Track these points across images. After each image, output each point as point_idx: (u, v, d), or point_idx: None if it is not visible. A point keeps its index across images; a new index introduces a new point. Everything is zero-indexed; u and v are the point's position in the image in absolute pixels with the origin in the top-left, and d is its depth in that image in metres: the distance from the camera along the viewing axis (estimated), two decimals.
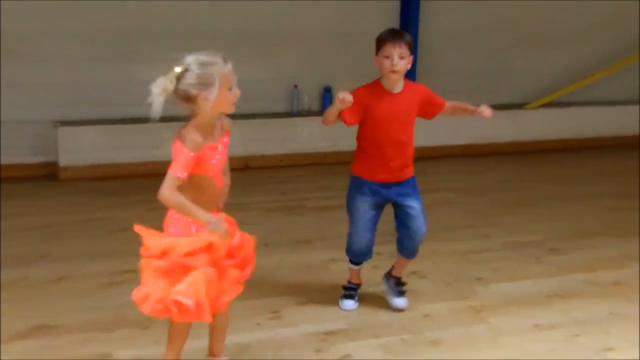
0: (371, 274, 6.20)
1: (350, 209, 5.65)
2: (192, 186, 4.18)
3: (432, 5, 10.54)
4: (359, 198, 5.59)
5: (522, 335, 5.49)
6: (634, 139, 11.55)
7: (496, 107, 10.80)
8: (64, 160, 9.08)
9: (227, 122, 4.42)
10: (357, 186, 5.61)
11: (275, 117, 10.12)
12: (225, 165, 4.49)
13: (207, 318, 4.12)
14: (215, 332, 4.72)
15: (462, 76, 10.93)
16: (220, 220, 4.20)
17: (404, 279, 5.93)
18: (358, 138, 5.59)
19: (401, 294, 5.86)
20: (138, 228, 4.40)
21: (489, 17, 10.83)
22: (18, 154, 9.06)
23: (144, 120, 9.64)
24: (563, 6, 11.18)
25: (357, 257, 5.78)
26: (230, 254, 4.36)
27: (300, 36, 10.07)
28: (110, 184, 8.95)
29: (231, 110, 4.30)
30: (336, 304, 5.85)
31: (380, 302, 5.87)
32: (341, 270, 6.39)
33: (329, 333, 5.41)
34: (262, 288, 6.14)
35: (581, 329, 5.60)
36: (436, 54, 10.56)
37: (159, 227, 7.51)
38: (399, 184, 5.56)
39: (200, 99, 4.12)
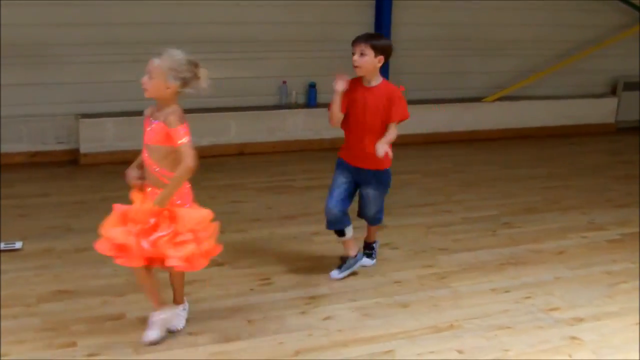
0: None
1: (331, 184, 5.61)
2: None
3: (402, 17, 10.46)
4: (337, 172, 5.61)
5: (480, 297, 5.49)
6: (568, 128, 11.56)
7: (455, 100, 10.95)
8: (84, 147, 8.98)
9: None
10: (337, 164, 5.63)
11: (267, 110, 10.05)
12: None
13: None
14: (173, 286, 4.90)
15: (428, 75, 10.90)
16: None
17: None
18: (342, 124, 5.50)
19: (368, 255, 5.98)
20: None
21: (449, 27, 10.79)
22: (44, 143, 8.97)
23: None
24: (509, 19, 11.15)
25: (329, 224, 5.64)
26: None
27: (288, 40, 10.01)
28: (124, 168, 8.77)
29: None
30: (320, 271, 5.77)
31: (358, 270, 5.80)
32: (324, 242, 6.35)
33: (313, 297, 5.38)
34: (254, 258, 6.11)
35: (530, 291, 5.61)
36: (406, 57, 10.46)
37: None
38: (366, 171, 5.52)
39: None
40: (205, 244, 4.55)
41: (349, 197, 5.61)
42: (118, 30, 9.12)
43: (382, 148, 5.18)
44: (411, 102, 10.82)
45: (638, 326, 5.09)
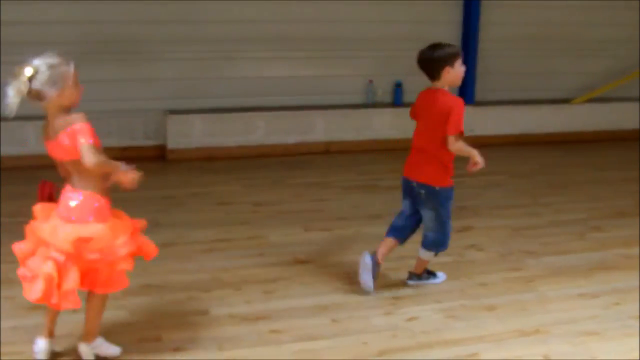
0: None
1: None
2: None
3: (491, 16, 10.35)
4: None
5: (567, 302, 5.39)
6: None
7: (544, 101, 10.77)
8: (172, 143, 9.11)
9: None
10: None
11: (353, 108, 10.04)
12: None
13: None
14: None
15: (517, 75, 10.76)
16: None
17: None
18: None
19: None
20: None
21: (538, 26, 10.62)
22: (132, 138, 9.11)
23: (239, 109, 9.69)
24: (602, 18, 10.93)
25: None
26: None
27: (375, 39, 10.00)
28: (210, 164, 8.94)
29: (77, 104, 4.12)
30: (405, 272, 5.70)
31: (444, 271, 5.74)
32: (409, 243, 6.27)
33: (398, 298, 5.35)
34: (339, 256, 6.10)
35: (620, 297, 5.48)
36: (494, 57, 10.37)
37: (253, 201, 7.51)
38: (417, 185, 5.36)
39: (54, 96, 3.94)
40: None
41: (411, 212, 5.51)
42: (209, 28, 9.23)
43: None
44: (500, 102, 10.76)
45: None
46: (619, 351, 4.69)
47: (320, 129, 9.79)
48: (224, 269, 5.77)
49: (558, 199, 7.91)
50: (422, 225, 5.45)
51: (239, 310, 5.05)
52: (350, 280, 5.60)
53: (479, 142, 9.87)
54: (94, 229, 4.07)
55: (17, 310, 4.91)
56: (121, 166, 4.20)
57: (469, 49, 10.25)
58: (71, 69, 4.02)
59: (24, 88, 3.87)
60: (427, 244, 5.42)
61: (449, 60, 5.14)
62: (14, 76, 3.87)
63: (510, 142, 10.40)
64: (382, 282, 5.56)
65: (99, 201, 4.15)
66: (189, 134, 9.17)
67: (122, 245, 4.19)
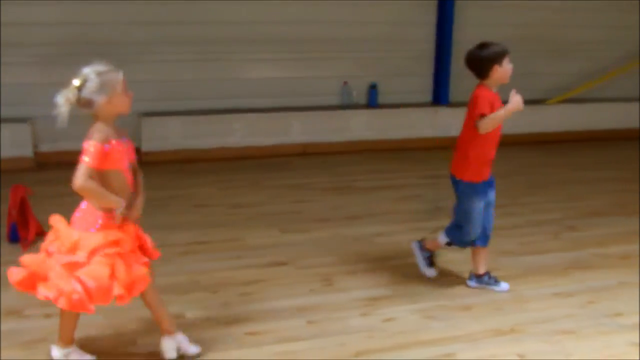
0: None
1: None
2: (104, 180, 4.07)
3: (465, 17, 10.42)
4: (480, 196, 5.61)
5: (543, 301, 5.42)
6: (636, 131, 11.37)
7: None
8: (146, 146, 9.09)
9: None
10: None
11: (329, 110, 10.07)
12: (134, 161, 4.42)
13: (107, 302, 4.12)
14: (155, 315, 4.51)
15: None
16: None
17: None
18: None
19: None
20: (54, 220, 4.23)
21: (513, 27, 10.67)
22: None
23: (215, 112, 9.68)
24: (577, 20, 11.03)
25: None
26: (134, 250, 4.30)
27: (350, 41, 10.03)
28: (187, 166, 8.93)
29: (128, 110, 4.25)
30: (382, 273, 5.74)
31: (418, 272, 5.75)
32: (386, 243, 6.34)
33: (374, 299, 5.35)
34: (317, 258, 6.11)
35: (595, 296, 5.52)
36: None
37: (230, 203, 7.49)
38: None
39: (103, 103, 4.00)
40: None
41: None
42: (185, 30, 9.24)
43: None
44: None
45: None
46: (594, 349, 4.71)
47: (297, 130, 9.80)
48: (201, 271, 5.77)
49: (535, 199, 7.97)
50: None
51: (215, 313, 5.05)
52: (327, 281, 5.61)
53: (454, 143, 10.00)
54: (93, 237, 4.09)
55: None
56: (120, 203, 4.14)
57: (443, 50, 10.32)
58: (120, 76, 4.12)
59: (73, 96, 3.93)
60: (446, 229, 5.63)
61: (497, 59, 5.34)
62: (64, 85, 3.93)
63: None
64: (360, 284, 5.58)
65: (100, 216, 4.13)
66: (165, 136, 9.16)
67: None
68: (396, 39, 10.27)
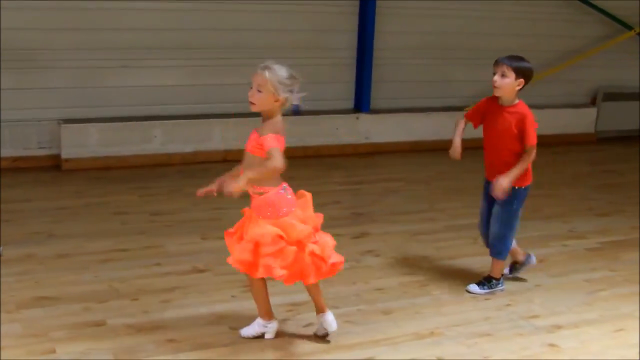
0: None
1: None
2: None
3: (386, 24, 10.50)
4: (482, 193, 5.81)
5: (461, 305, 5.53)
6: (550, 138, 11.60)
7: (440, 109, 10.94)
8: (66, 153, 8.97)
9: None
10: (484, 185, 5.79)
11: (251, 117, 9.88)
12: None
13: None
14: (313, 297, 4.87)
15: (413, 83, 10.93)
16: None
17: None
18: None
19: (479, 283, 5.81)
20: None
21: (432, 35, 10.82)
22: (26, 148, 8.95)
23: (135, 118, 9.60)
24: (493, 28, 11.22)
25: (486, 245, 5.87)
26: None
27: (273, 47, 9.95)
28: (107, 173, 8.83)
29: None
30: None
31: (341, 277, 5.78)
32: None
33: (294, 304, 5.37)
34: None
35: (511, 299, 5.66)
36: (390, 65, 10.54)
37: (150, 210, 7.44)
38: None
39: None
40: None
41: (488, 216, 5.74)
42: (104, 35, 9.12)
43: (502, 183, 5.32)
44: (396, 110, 10.92)
45: (616, 334, 5.15)
46: (510, 350, 4.82)
47: (218, 137, 9.76)
48: (121, 279, 5.71)
49: (453, 205, 8.07)
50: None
51: (135, 320, 5.01)
52: (248, 288, 5.60)
53: (375, 150, 10.11)
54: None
55: None
56: None
57: (364, 57, 10.38)
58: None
59: None
60: None
61: None
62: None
63: (406, 149, 10.54)
64: (280, 290, 5.58)
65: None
66: (85, 143, 9.03)
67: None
68: (318, 46, 10.31)
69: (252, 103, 4.67)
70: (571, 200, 8.49)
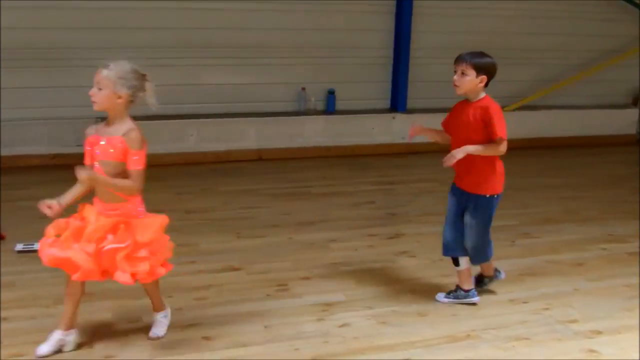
0: (367, 253, 6.26)
1: None
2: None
3: (422, 24, 10.49)
4: (449, 195, 5.53)
5: (497, 308, 5.45)
6: (588, 139, 11.53)
7: None
8: None
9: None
10: (450, 187, 5.57)
11: (285, 116, 10.07)
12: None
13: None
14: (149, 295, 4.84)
15: (449, 83, 10.76)
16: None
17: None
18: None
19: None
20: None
21: (468, 35, 10.73)
22: (63, 145, 8.99)
23: (170, 117, 9.56)
24: (529, 27, 11.15)
25: (443, 249, 5.49)
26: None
27: (307, 47, 10.04)
28: None
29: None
30: (336, 278, 5.77)
31: (375, 278, 5.77)
32: (341, 249, 6.35)
33: (329, 304, 5.34)
34: (270, 263, 6.11)
35: (549, 303, 5.56)
36: (426, 65, 10.50)
37: (185, 208, 7.43)
38: (466, 195, 5.39)
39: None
40: (160, 254, 4.64)
41: (459, 221, 5.44)
42: (139, 34, 9.21)
43: (456, 154, 5.17)
44: (432, 110, 10.87)
45: None
46: (547, 355, 4.75)
47: (252, 136, 9.78)
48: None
49: None
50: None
51: (171, 318, 4.98)
52: (282, 286, 5.61)
53: (409, 150, 10.07)
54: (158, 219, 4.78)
55: None
56: None
57: (400, 56, 10.36)
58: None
59: None
60: None
61: None
62: None
63: (441, 150, 10.45)
64: (315, 289, 5.58)
65: None
66: None
67: None
68: (354, 45, 10.29)
69: (93, 102, 4.53)
70: (609, 202, 8.35)
